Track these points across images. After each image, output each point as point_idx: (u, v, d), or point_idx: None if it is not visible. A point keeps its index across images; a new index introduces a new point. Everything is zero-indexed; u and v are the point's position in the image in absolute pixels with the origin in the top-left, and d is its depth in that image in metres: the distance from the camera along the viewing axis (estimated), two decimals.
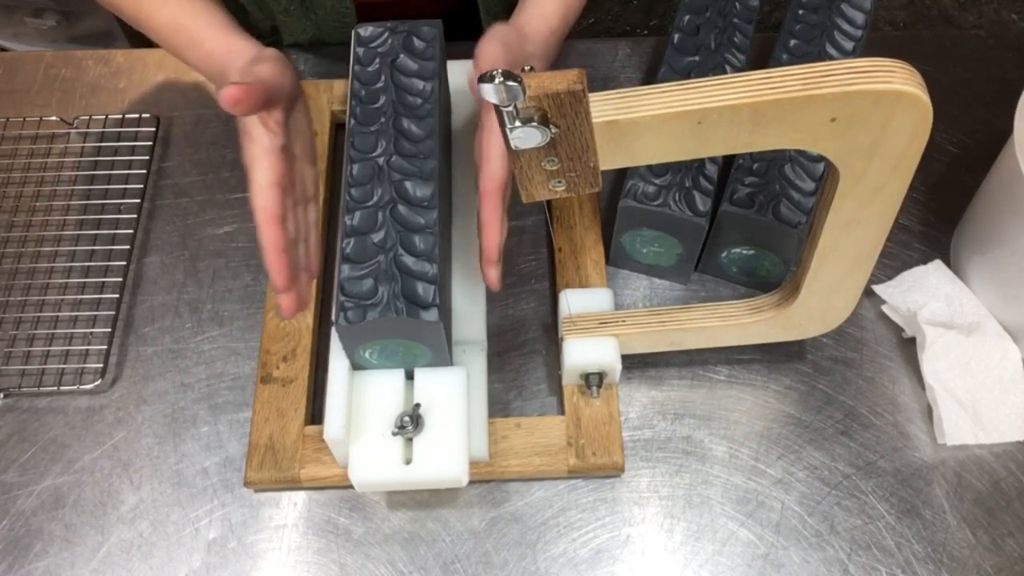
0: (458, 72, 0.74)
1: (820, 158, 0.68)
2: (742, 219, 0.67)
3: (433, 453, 0.59)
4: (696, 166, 0.68)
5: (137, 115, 0.82)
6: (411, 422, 0.59)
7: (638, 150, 0.47)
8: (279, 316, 0.63)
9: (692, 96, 0.44)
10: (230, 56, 0.62)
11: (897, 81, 0.43)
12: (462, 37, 0.77)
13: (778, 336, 0.65)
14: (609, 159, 0.47)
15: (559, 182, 0.49)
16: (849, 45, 0.73)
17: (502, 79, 0.41)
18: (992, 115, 0.82)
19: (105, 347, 0.70)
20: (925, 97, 0.43)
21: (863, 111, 0.44)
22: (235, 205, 0.79)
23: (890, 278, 0.72)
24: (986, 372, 0.67)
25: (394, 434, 0.59)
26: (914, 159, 0.47)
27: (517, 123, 0.44)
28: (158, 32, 0.66)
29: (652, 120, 0.45)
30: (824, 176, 0.67)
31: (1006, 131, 0.65)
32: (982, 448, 0.66)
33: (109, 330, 0.71)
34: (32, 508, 0.65)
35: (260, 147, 0.56)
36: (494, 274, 0.60)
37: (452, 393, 0.61)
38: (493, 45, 0.61)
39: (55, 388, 0.69)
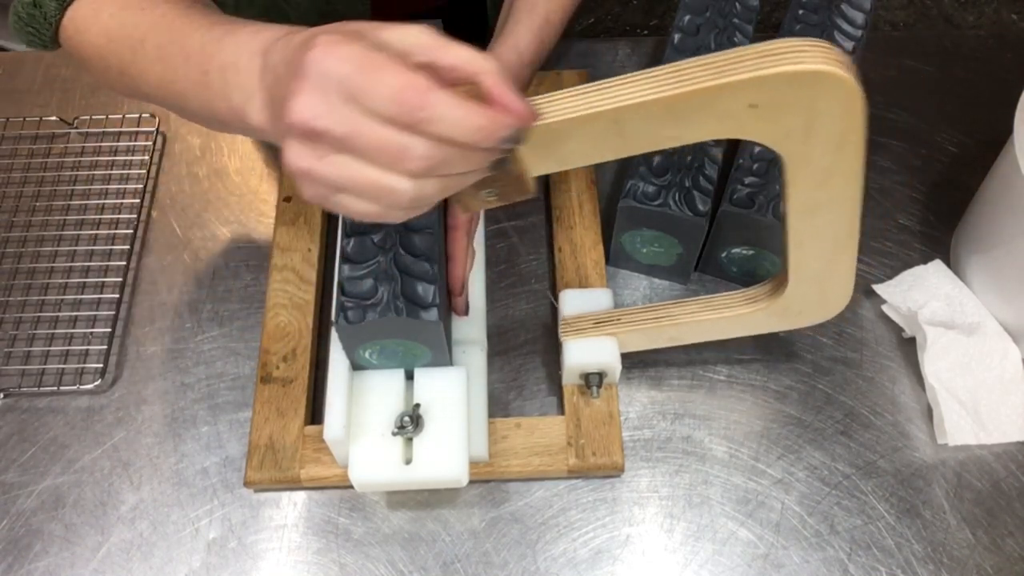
0: None
1: None
2: (742, 219, 0.67)
3: (433, 453, 0.59)
4: (696, 166, 0.68)
5: (137, 115, 0.83)
6: (411, 422, 0.59)
7: (565, 153, 0.46)
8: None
9: (606, 96, 0.44)
10: None
11: (809, 61, 0.41)
12: (469, 29, 0.77)
13: (777, 325, 0.65)
14: (539, 165, 0.47)
15: (490, 192, 0.49)
16: (849, 45, 0.73)
17: None
18: (992, 115, 0.82)
19: (105, 347, 0.70)
20: (844, 73, 0.41)
21: (781, 94, 0.42)
22: (235, 205, 0.79)
23: (890, 278, 0.72)
24: (987, 372, 0.67)
25: (394, 434, 0.59)
26: (858, 138, 0.45)
27: None
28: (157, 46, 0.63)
29: (570, 123, 0.44)
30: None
31: (1006, 131, 0.65)
32: (982, 448, 0.66)
33: (109, 330, 0.71)
34: (32, 508, 0.65)
35: None
36: (460, 303, 0.63)
37: (452, 393, 0.61)
38: None
39: (55, 388, 0.69)
